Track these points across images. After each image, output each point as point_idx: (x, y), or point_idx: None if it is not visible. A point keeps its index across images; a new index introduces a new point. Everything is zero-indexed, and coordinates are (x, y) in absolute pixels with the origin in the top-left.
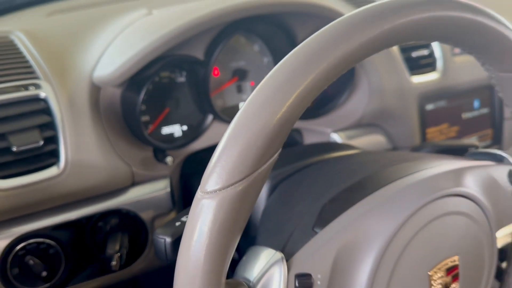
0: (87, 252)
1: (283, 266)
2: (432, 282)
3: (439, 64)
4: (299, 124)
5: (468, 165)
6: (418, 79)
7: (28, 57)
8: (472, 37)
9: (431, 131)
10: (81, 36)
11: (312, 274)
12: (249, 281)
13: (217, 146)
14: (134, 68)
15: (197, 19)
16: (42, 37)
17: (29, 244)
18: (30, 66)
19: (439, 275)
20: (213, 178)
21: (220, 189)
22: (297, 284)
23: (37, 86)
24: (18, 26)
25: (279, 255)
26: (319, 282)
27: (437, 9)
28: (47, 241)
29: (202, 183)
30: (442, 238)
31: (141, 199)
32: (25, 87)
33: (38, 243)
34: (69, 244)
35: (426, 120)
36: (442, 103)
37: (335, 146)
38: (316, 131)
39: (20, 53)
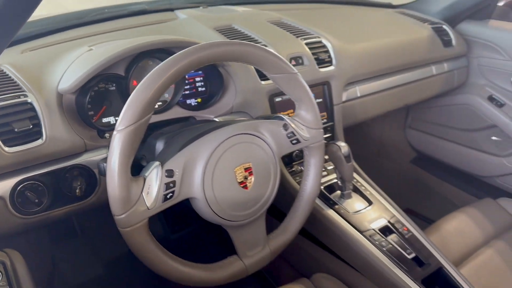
0: (62, 190)
1: (160, 167)
2: (237, 174)
3: None
4: (193, 114)
5: (261, 120)
6: (265, 82)
7: (16, 80)
8: (246, 57)
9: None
10: (48, 65)
11: (173, 169)
12: (145, 175)
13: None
14: (82, 83)
15: (115, 55)
16: (23, 67)
17: (26, 184)
18: (18, 85)
19: (240, 171)
20: (120, 123)
21: (122, 128)
22: (165, 174)
23: (25, 95)
24: (3, 61)
25: (158, 162)
26: (177, 172)
27: (226, 46)
28: (37, 182)
29: (116, 126)
30: (242, 153)
31: (91, 159)
32: (18, 96)
33: (32, 184)
34: (51, 184)
35: (276, 108)
36: (287, 97)
37: (205, 122)
38: (204, 117)
39: (11, 77)
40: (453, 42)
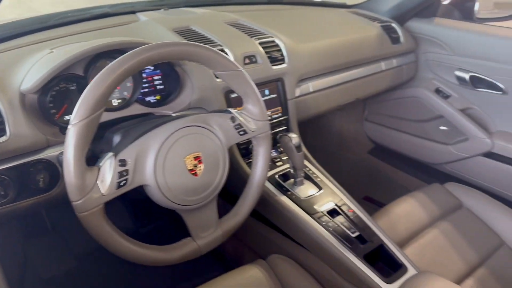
0: (27, 183)
1: (113, 157)
2: (187, 163)
3: None
4: (152, 110)
5: (210, 114)
6: (220, 80)
7: None
8: (192, 56)
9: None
10: (12, 67)
11: (126, 159)
12: (99, 165)
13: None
14: (42, 83)
15: (73, 56)
16: None
17: None
18: None
19: (190, 159)
20: (74, 118)
21: (76, 123)
22: (118, 163)
23: None
24: None
25: (111, 153)
26: (129, 162)
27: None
28: (3, 176)
29: (70, 120)
30: (192, 144)
31: (53, 154)
32: None
33: None
34: (16, 178)
35: (231, 103)
36: None
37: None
38: (163, 113)
39: None
40: (401, 39)
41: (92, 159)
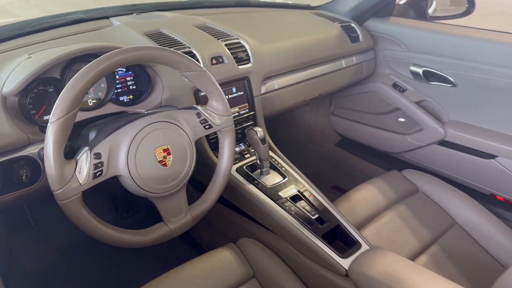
0: (11, 178)
1: (89, 151)
2: (156, 155)
3: None
4: (126, 109)
5: (177, 110)
6: None
7: None
8: (158, 59)
9: None
10: None
11: (100, 152)
12: (77, 159)
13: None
14: (22, 86)
15: (50, 61)
16: None
17: None
18: None
19: (159, 151)
20: (52, 116)
21: (54, 121)
22: (94, 156)
23: None
24: None
25: (87, 147)
26: (104, 155)
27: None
28: None
29: (49, 119)
30: (161, 137)
31: (34, 151)
32: None
33: None
34: (1, 173)
35: (200, 101)
36: None
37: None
38: (136, 111)
39: None
40: (360, 38)
41: (70, 154)
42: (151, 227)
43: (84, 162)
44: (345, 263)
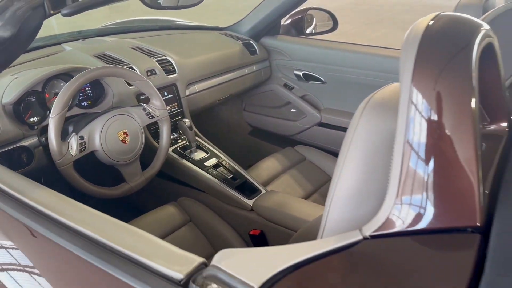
0: (14, 160)
1: (76, 135)
2: (118, 136)
3: None
4: (87, 111)
5: (131, 107)
6: (132, 87)
7: None
8: (115, 74)
9: None
10: None
11: (83, 135)
12: (68, 140)
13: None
14: (17, 97)
15: (39, 79)
16: None
17: None
18: None
19: (120, 134)
20: (52, 113)
21: (53, 116)
22: (79, 138)
23: None
24: None
25: (75, 133)
26: (85, 137)
27: (104, 69)
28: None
29: (50, 115)
30: (121, 125)
31: (28, 142)
32: None
33: None
34: (6, 158)
35: (141, 102)
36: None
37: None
38: (95, 112)
39: None
40: (257, 51)
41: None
42: (118, 185)
43: (73, 142)
44: (250, 202)
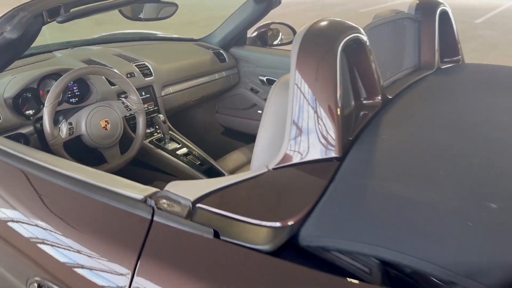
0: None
1: (65, 122)
2: (101, 123)
3: None
4: (74, 106)
5: (112, 100)
6: (113, 86)
7: None
8: (99, 73)
9: None
10: None
11: (72, 122)
12: (59, 126)
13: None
14: (17, 92)
15: (35, 77)
16: None
17: None
18: None
19: (102, 122)
20: (46, 102)
21: (48, 105)
22: (68, 124)
23: None
24: None
25: (65, 119)
26: (73, 123)
27: (88, 68)
28: None
29: (45, 104)
30: (103, 114)
31: (25, 130)
32: None
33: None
34: None
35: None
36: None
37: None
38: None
39: None
40: (227, 59)
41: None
42: (101, 165)
43: (64, 127)
44: None
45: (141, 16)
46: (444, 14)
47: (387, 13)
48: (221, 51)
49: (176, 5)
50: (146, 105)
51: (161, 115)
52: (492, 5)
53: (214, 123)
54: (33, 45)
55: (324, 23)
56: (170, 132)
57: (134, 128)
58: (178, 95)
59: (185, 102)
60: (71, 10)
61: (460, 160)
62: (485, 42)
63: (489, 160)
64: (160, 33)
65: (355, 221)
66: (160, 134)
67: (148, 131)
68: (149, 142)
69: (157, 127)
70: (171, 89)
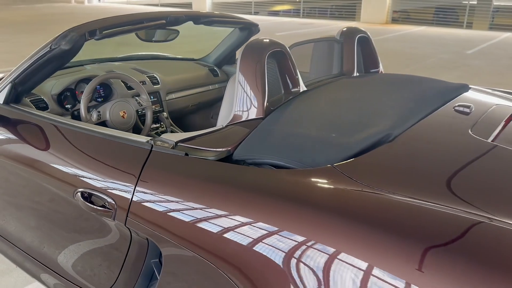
0: None
1: (96, 110)
2: (120, 114)
3: None
4: (101, 103)
5: (129, 98)
6: (130, 90)
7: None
8: (119, 78)
9: None
10: (45, 85)
11: (100, 111)
12: (91, 113)
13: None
14: (60, 90)
15: (73, 79)
16: None
17: None
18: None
19: (121, 112)
20: (83, 97)
21: (83, 98)
22: (97, 113)
23: (39, 95)
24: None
25: (95, 109)
26: (100, 112)
27: (111, 74)
28: None
29: (80, 100)
30: (122, 107)
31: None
32: (35, 95)
33: None
34: None
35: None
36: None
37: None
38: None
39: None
40: (219, 74)
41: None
42: None
43: (94, 114)
44: None
45: (154, 38)
46: (363, 38)
47: (324, 36)
48: (215, 68)
49: (178, 31)
50: (153, 106)
51: (165, 113)
52: (487, 37)
53: (210, 127)
54: (72, 61)
55: (257, 40)
56: (171, 126)
57: (143, 123)
58: (179, 100)
59: (185, 106)
60: (103, 32)
61: (329, 113)
62: (470, 71)
63: (341, 110)
64: (167, 54)
65: (260, 146)
66: (163, 128)
67: (154, 125)
68: (154, 133)
69: (161, 123)
70: (173, 95)
